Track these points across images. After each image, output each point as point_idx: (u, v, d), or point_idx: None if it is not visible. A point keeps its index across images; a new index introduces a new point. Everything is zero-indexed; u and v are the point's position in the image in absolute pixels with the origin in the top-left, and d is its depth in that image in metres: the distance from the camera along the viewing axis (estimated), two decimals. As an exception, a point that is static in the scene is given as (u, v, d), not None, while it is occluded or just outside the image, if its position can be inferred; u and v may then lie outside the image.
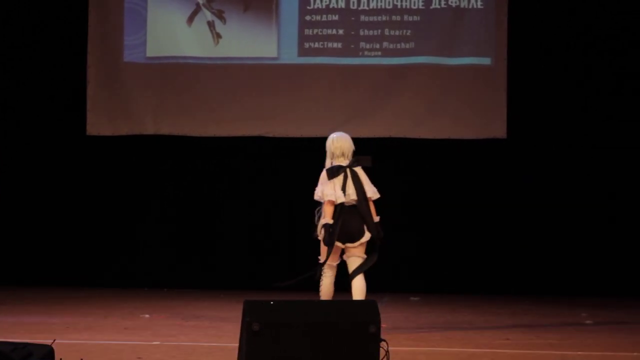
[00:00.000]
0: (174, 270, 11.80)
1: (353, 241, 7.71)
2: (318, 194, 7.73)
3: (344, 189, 7.69)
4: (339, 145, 7.82)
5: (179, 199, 11.93)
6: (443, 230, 11.62)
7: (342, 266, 7.81)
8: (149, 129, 11.75)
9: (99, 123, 11.79)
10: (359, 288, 7.62)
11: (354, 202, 7.70)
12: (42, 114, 12.00)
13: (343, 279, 7.79)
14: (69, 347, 6.73)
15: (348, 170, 7.75)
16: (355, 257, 7.76)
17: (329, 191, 7.66)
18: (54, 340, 5.42)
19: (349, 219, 7.65)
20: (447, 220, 11.61)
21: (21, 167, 12.06)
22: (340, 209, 7.65)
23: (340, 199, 7.65)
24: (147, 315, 9.10)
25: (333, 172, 7.71)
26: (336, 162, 7.76)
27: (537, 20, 11.55)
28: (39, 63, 11.94)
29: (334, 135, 7.91)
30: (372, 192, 7.80)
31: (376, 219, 7.78)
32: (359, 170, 7.82)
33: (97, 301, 10.30)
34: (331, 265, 7.74)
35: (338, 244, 7.68)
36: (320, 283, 7.73)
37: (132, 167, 11.95)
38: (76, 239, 11.91)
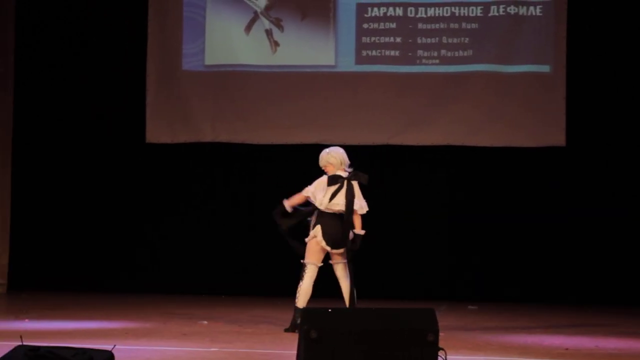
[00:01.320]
0: (232, 277, 11.86)
1: (337, 247, 8.35)
2: (310, 192, 8.36)
3: (333, 197, 8.29)
4: (337, 156, 8.41)
5: (234, 206, 11.98)
6: (500, 238, 11.55)
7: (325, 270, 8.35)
8: (207, 137, 11.83)
9: (158, 131, 11.90)
10: (349, 294, 8.26)
11: (340, 211, 8.28)
12: (104, 122, 12.16)
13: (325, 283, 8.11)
14: (128, 353, 6.80)
15: (345, 182, 8.32)
16: (339, 263, 8.41)
17: (319, 195, 8.31)
18: (114, 345, 5.47)
19: (332, 225, 8.31)
20: (504, 228, 11.53)
21: (83, 175, 12.21)
22: (320, 214, 8.29)
23: (323, 205, 8.29)
24: (205, 322, 9.15)
25: (333, 181, 8.32)
26: (337, 172, 8.36)
27: (596, 27, 11.45)
28: (100, 72, 12.10)
29: (331, 150, 8.47)
30: (359, 206, 8.37)
31: (361, 232, 8.35)
32: (355, 184, 8.37)
33: (156, 307, 10.38)
34: (315, 265, 8.35)
35: (326, 247, 8.31)
36: (300, 282, 8.35)
37: (191, 174, 12.04)
38: (136, 245, 12.03)
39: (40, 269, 12.16)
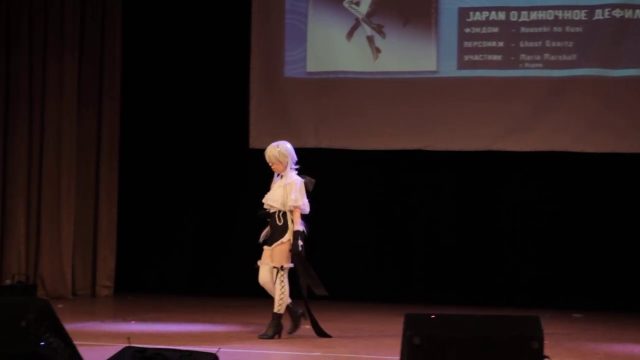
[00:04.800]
0: (335, 282, 11.87)
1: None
2: (299, 202, 8.23)
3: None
4: (288, 153, 8.35)
5: (334, 211, 12.01)
6: (606, 246, 11.35)
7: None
8: (310, 143, 11.89)
9: (262, 137, 12.00)
10: None
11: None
12: (208, 128, 12.33)
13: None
14: (232, 356, 6.89)
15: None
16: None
17: (306, 202, 8.26)
18: (219, 348, 5.54)
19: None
20: (609, 235, 11.34)
21: (187, 179, 12.40)
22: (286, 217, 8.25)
23: (308, 209, 8.35)
24: (307, 326, 9.20)
25: (310, 184, 8.36)
26: (294, 170, 8.34)
27: None
28: (205, 79, 12.28)
29: (280, 145, 8.38)
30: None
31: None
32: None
33: (260, 311, 10.45)
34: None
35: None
36: (285, 288, 8.26)
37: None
38: (239, 249, 12.15)
39: (146, 272, 12.38)
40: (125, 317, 9.83)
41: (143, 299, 11.61)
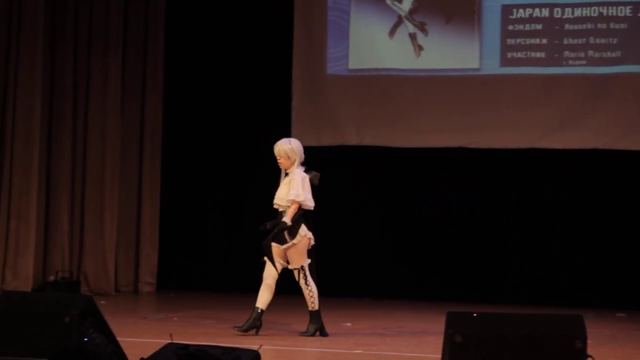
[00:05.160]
0: (376, 280, 11.88)
1: None
2: (300, 198, 8.13)
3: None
4: (298, 151, 8.30)
5: (381, 209, 12.00)
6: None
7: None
8: (352, 140, 11.88)
9: (304, 134, 11.99)
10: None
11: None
12: (251, 124, 12.35)
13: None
14: (274, 353, 6.90)
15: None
16: None
17: (309, 197, 8.11)
18: (261, 345, 5.54)
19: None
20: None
21: (229, 176, 12.43)
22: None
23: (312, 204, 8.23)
24: (349, 324, 9.20)
25: (316, 179, 8.30)
26: (301, 168, 8.23)
27: None
28: (247, 76, 12.32)
29: (292, 142, 8.38)
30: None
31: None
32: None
33: (301, 309, 10.46)
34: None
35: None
36: (313, 285, 8.21)
37: (336, 176, 12.11)
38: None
39: (188, 269, 12.43)
40: (167, 313, 9.89)
41: (185, 296, 11.66)
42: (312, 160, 11.91)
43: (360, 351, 7.45)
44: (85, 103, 11.80)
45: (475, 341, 5.25)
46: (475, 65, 11.64)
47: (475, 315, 5.36)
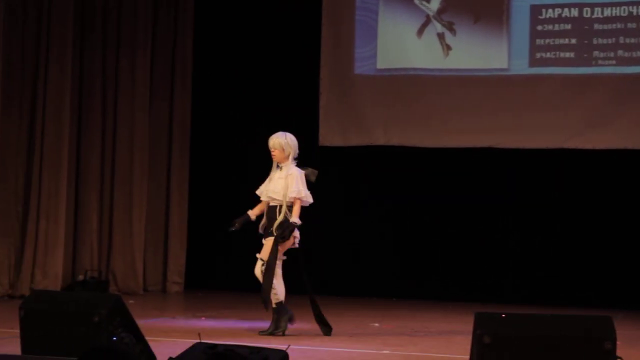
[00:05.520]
0: (403, 280, 11.86)
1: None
2: (301, 194, 8.11)
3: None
4: (294, 145, 8.30)
5: (405, 209, 11.97)
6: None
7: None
8: (380, 140, 11.87)
9: (331, 134, 12.03)
10: None
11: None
12: (278, 124, 12.31)
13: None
14: (302, 353, 6.91)
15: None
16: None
17: (308, 193, 8.10)
18: (289, 345, 5.55)
19: None
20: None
21: (256, 176, 12.42)
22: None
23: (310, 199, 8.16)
24: (376, 324, 9.19)
25: (313, 176, 8.24)
26: (294, 162, 8.19)
27: None
28: (275, 76, 12.33)
29: (288, 136, 8.38)
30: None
31: None
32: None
33: (330, 308, 10.47)
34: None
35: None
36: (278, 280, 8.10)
37: (363, 176, 12.12)
38: (310, 246, 12.15)
39: (216, 268, 12.46)
40: (195, 313, 9.92)
41: (213, 296, 11.69)
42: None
43: (387, 351, 7.45)
44: (114, 103, 11.86)
45: (504, 342, 5.24)
46: (504, 65, 11.60)
47: (503, 316, 5.36)
